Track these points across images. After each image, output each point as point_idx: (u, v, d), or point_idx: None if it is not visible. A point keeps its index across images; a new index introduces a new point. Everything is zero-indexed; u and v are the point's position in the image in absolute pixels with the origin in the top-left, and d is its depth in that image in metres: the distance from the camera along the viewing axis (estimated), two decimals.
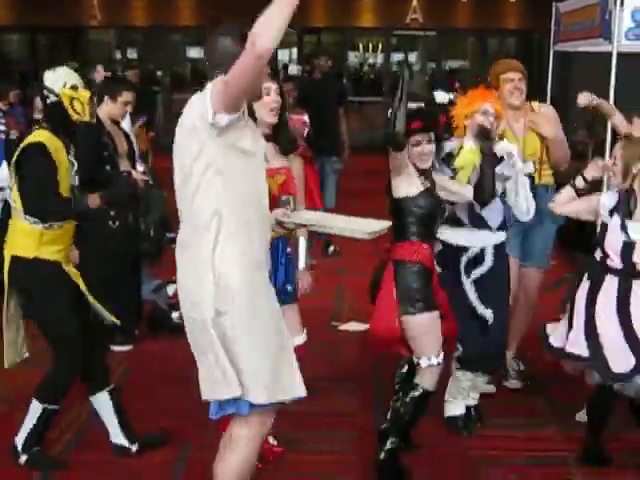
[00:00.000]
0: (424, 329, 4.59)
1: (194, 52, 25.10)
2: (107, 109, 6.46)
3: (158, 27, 23.16)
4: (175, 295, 6.84)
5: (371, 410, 5.49)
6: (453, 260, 5.07)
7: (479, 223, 5.03)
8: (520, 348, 6.12)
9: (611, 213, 4.66)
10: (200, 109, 3.40)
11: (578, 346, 4.73)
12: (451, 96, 13.76)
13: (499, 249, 5.12)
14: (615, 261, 4.64)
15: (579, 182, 4.93)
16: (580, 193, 4.94)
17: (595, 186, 5.15)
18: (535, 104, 5.88)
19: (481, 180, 4.82)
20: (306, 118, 8.46)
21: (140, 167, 6.55)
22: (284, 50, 24.58)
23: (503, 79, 5.70)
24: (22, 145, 4.65)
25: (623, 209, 4.62)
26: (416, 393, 4.65)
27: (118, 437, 4.89)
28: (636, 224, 4.59)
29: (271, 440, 4.71)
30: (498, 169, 4.96)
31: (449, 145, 5.11)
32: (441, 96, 15.15)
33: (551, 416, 5.54)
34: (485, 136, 4.87)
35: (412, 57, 25.97)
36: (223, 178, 3.47)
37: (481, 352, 5.10)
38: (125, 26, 23.74)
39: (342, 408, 5.47)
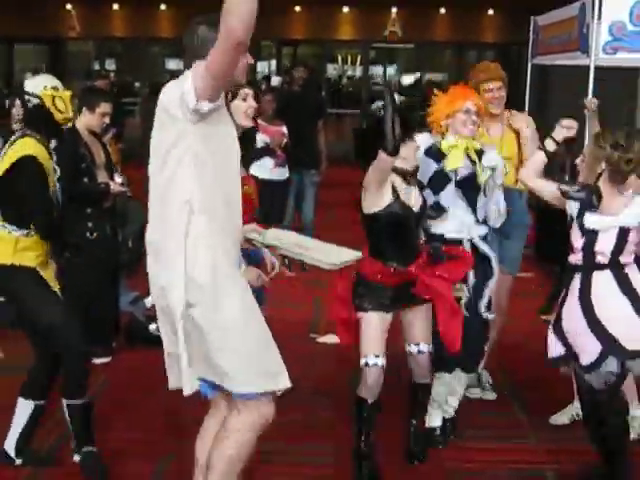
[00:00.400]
0: (369, 327, 4.74)
1: (173, 64, 25.10)
2: (85, 120, 6.42)
3: (137, 39, 23.19)
4: (153, 307, 6.85)
5: (348, 423, 5.40)
6: None
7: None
8: (499, 359, 6.14)
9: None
10: (180, 95, 3.35)
11: (557, 349, 4.75)
12: None
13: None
14: (578, 255, 4.64)
15: (549, 144, 4.95)
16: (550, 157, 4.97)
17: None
18: (513, 111, 5.92)
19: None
20: (284, 129, 8.48)
21: (118, 178, 6.51)
22: (263, 62, 24.65)
23: (483, 88, 5.66)
24: (12, 158, 4.67)
25: (587, 202, 4.61)
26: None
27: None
28: (595, 217, 4.56)
29: None
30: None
31: (422, 139, 5.09)
32: None
33: (530, 427, 5.52)
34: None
35: (390, 70, 26.08)
36: (199, 168, 3.45)
37: (463, 348, 5.03)
38: (104, 37, 23.72)
39: (319, 420, 5.45)
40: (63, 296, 5.95)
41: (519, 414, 5.72)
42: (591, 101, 5.93)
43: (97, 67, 24.46)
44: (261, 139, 8.07)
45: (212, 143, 3.49)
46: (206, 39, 3.39)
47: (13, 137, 4.83)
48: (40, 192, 4.71)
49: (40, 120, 4.80)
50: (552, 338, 4.75)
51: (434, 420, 5.32)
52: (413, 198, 4.78)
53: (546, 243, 9.09)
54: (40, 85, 4.79)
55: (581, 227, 4.57)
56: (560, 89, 13.14)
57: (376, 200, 4.64)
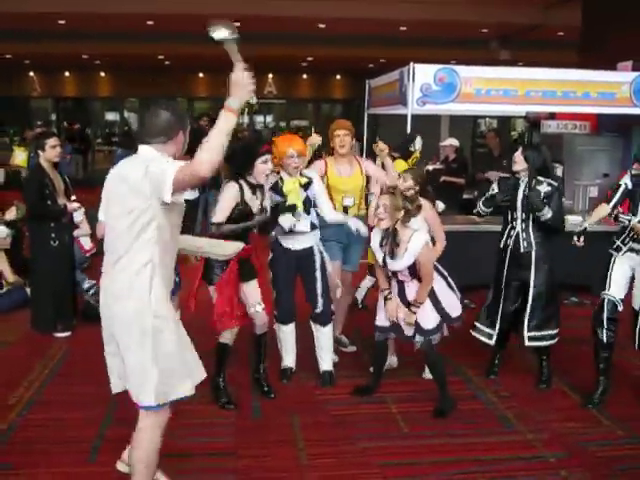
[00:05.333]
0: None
1: (110, 116, 24.58)
2: (44, 155, 6.21)
3: (84, 98, 22.71)
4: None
5: (246, 370, 5.30)
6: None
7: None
8: (352, 326, 6.20)
9: (381, 245, 4.79)
10: (155, 183, 2.95)
11: (384, 321, 4.91)
12: None
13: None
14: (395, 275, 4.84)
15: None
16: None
17: None
18: (363, 159, 5.94)
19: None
20: None
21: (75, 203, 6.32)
22: None
23: (334, 134, 5.60)
24: None
25: (388, 242, 4.71)
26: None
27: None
28: (391, 261, 4.72)
29: None
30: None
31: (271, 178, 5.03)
32: None
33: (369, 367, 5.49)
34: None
35: (269, 118, 26.03)
36: (160, 232, 3.10)
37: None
38: (58, 97, 23.09)
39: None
40: (33, 286, 5.73)
41: (366, 357, 5.71)
42: (378, 146, 5.60)
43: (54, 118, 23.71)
44: None
45: (172, 212, 3.12)
46: (169, 123, 3.15)
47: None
48: None
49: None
50: (381, 316, 4.91)
51: (287, 361, 5.34)
52: (254, 203, 4.69)
53: None
54: None
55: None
56: (387, 131, 13.29)
57: None
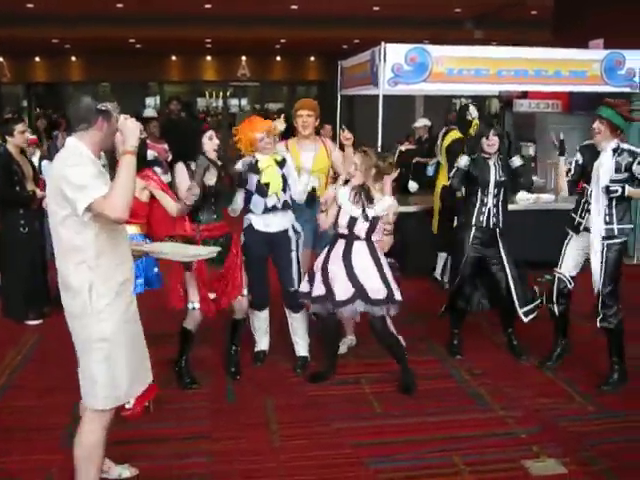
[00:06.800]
0: (189, 279, 4.68)
1: None
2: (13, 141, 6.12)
3: (55, 83, 22.46)
4: None
5: (220, 354, 5.37)
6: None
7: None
8: None
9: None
10: (72, 194, 2.88)
11: (319, 290, 4.78)
12: None
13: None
14: (344, 231, 4.75)
15: (323, 201, 4.92)
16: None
17: None
18: (326, 139, 5.82)
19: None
20: (166, 147, 8.31)
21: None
22: (150, 98, 24.20)
23: (297, 114, 5.48)
24: None
25: (358, 197, 4.69)
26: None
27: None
28: (352, 206, 4.69)
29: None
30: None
31: (246, 160, 4.99)
32: None
33: (349, 353, 5.54)
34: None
35: (244, 102, 25.92)
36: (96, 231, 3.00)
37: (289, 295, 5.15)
38: (29, 82, 22.82)
39: (199, 354, 5.31)
40: (3, 274, 5.67)
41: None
42: (344, 134, 5.41)
43: (25, 104, 23.44)
44: (151, 154, 7.87)
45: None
46: (88, 107, 3.08)
47: None
48: None
49: None
50: (317, 282, 4.79)
51: (261, 344, 5.35)
52: (212, 178, 4.67)
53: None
54: None
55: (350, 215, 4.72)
56: (361, 111, 13.31)
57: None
